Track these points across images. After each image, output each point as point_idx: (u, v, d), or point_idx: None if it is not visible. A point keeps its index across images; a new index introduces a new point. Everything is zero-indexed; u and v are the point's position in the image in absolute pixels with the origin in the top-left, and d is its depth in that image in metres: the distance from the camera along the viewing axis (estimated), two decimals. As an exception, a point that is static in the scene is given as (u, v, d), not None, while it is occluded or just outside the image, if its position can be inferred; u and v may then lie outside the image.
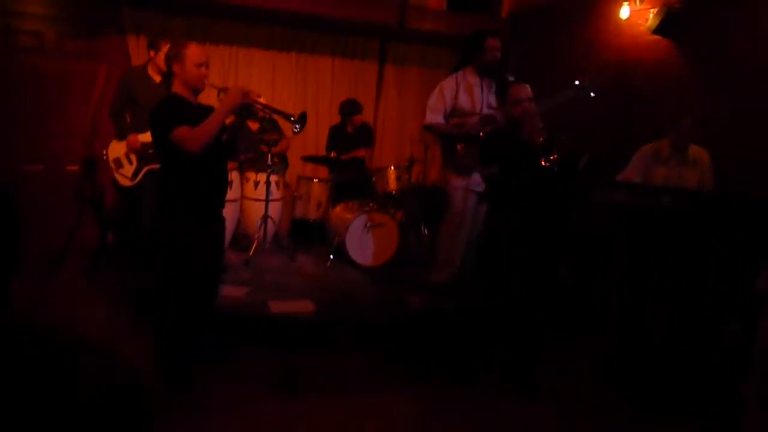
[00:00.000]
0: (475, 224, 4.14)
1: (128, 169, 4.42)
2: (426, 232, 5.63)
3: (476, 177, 4.06)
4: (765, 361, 2.86)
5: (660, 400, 3.12)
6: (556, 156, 3.01)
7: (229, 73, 5.78)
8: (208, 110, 3.03)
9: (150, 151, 4.25)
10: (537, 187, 3.18)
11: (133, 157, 4.40)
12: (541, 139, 3.08)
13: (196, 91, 2.90)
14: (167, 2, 5.10)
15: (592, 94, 3.68)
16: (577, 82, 3.65)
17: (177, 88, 2.88)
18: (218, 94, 3.05)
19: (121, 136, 4.42)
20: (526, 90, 3.31)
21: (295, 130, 3.12)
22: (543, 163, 3.04)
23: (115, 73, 4.97)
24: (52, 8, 5.07)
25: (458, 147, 4.03)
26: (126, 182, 4.43)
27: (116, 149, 4.44)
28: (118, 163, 4.44)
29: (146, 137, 4.29)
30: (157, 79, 4.38)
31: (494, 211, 3.40)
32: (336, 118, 5.91)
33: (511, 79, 3.99)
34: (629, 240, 3.48)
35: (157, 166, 4.30)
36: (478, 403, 3.07)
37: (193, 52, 2.84)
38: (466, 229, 4.17)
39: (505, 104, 3.38)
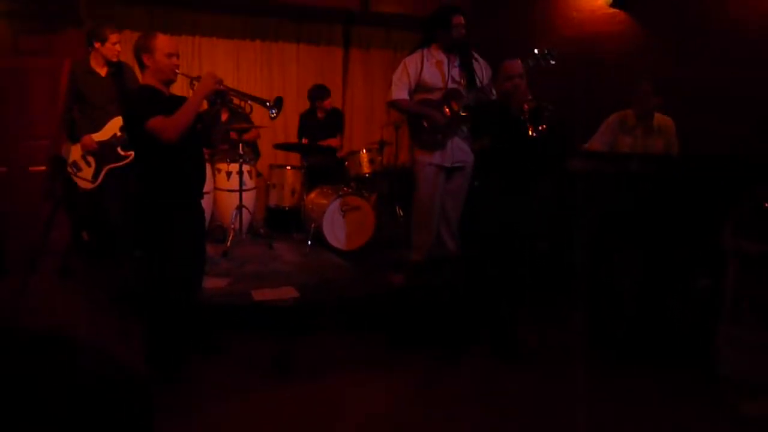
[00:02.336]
0: (447, 199, 4.20)
1: (87, 172, 4.23)
2: (400, 212, 5.70)
3: (442, 152, 4.11)
4: (733, 308, 3.06)
5: (638, 353, 3.27)
6: (545, 126, 3.08)
7: (192, 63, 5.70)
8: (181, 100, 3.01)
9: (118, 141, 4.15)
10: (525, 160, 3.25)
11: (91, 159, 4.22)
12: (527, 106, 3.13)
13: (168, 82, 2.88)
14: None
15: (552, 62, 3.69)
16: (536, 51, 3.67)
17: (147, 79, 2.86)
18: (191, 83, 3.04)
19: (74, 138, 4.22)
20: (518, 65, 3.34)
21: (272, 116, 3.13)
22: (531, 132, 3.10)
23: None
24: (5, 4, 4.91)
25: (424, 122, 4.05)
26: (87, 185, 4.24)
27: (71, 152, 4.25)
28: (76, 166, 4.24)
29: (101, 136, 4.18)
30: (103, 72, 4.19)
31: (480, 184, 3.47)
32: (304, 105, 5.91)
33: (476, 56, 4.04)
34: (598, 205, 3.60)
35: (117, 164, 4.22)
36: (469, 375, 3.16)
37: (163, 42, 2.82)
38: (436, 204, 4.21)
39: (497, 78, 3.43)
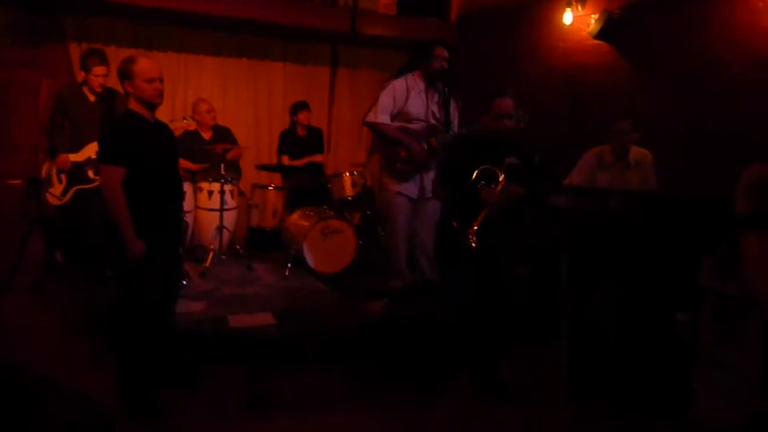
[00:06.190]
0: (420, 227, 4.22)
1: (57, 188, 4.31)
2: (382, 235, 5.68)
3: (413, 184, 4.12)
4: (707, 351, 3.04)
5: (615, 390, 3.24)
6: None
7: (178, 81, 5.66)
8: (164, 128, 2.99)
9: (90, 164, 4.19)
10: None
11: (63, 177, 4.29)
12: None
13: (152, 106, 2.83)
14: (111, 8, 4.94)
15: (522, 126, 3.52)
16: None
17: (132, 105, 2.81)
18: (183, 119, 3.02)
19: (52, 155, 4.30)
20: (508, 104, 3.19)
21: None
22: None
23: (57, 84, 4.80)
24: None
25: (401, 152, 4.06)
26: (55, 201, 4.33)
27: (46, 167, 4.34)
28: (48, 182, 4.32)
29: (77, 157, 4.25)
30: (92, 98, 4.27)
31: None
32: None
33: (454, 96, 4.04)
34: (577, 241, 3.61)
35: (85, 186, 4.27)
36: (449, 410, 3.12)
37: (142, 67, 2.76)
38: (406, 231, 4.23)
39: (488, 113, 3.28)
